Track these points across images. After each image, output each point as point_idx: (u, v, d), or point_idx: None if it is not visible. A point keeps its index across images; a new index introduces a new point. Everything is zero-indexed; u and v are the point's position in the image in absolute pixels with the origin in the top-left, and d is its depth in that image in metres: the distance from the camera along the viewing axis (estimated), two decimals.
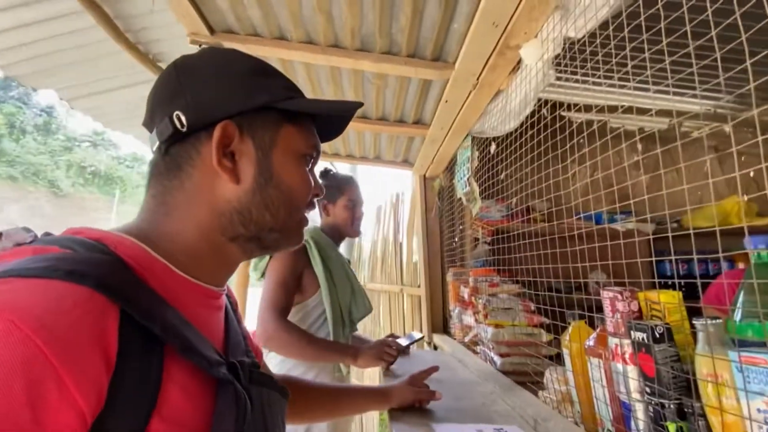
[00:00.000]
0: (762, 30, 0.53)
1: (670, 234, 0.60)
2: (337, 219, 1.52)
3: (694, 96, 2.18)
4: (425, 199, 2.49)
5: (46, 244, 0.36)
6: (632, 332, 0.67)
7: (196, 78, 0.45)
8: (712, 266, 2.46)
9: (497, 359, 1.44)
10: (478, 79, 1.32)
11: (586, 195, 1.03)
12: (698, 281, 0.58)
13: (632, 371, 0.69)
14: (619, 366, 0.71)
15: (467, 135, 1.78)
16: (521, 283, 1.68)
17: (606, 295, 0.75)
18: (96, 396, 0.30)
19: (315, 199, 0.52)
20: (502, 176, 1.62)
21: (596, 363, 0.78)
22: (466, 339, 1.89)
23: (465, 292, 1.85)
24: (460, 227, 2.22)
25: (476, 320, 1.68)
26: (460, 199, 1.99)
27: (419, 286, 2.54)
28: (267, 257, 1.37)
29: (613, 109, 1.75)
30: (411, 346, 1.55)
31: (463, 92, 1.41)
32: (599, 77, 0.88)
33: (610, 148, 0.82)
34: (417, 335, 1.49)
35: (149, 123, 0.46)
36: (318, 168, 0.62)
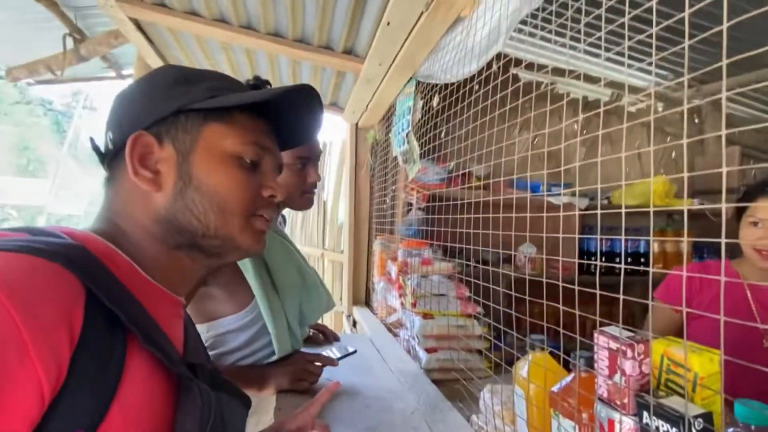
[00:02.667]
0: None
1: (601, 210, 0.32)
2: None
3: (641, 70, 2.06)
4: (356, 153, 2.12)
5: (13, 231, 0.37)
6: (646, 414, 0.42)
7: (125, 97, 0.47)
8: (631, 244, 2.51)
9: (423, 356, 1.22)
10: None
11: (526, 163, 0.88)
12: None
13: None
14: None
15: (411, 78, 1.42)
16: (451, 251, 1.47)
17: (603, 342, 0.48)
18: (56, 370, 0.30)
19: (274, 200, 0.49)
20: (443, 135, 1.33)
21: (568, 425, 0.54)
22: (388, 320, 1.67)
23: (393, 269, 1.59)
24: (393, 189, 1.91)
25: (402, 305, 1.44)
26: (396, 157, 1.67)
27: (342, 252, 2.25)
28: None
29: (564, 72, 1.55)
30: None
31: (412, 13, 1.03)
32: (562, 36, 0.66)
33: (547, 114, 0.66)
34: (350, 348, 1.16)
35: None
36: None
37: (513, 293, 0.73)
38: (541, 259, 2.18)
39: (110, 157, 0.46)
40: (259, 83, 0.53)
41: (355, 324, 2.06)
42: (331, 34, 1.33)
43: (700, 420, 0.39)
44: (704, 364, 0.43)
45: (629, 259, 2.42)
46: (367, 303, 2.12)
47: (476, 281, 1.02)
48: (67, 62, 1.95)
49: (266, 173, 0.49)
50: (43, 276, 0.32)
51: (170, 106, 0.44)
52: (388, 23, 1.09)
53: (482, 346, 1.26)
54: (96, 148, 0.47)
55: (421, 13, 1.02)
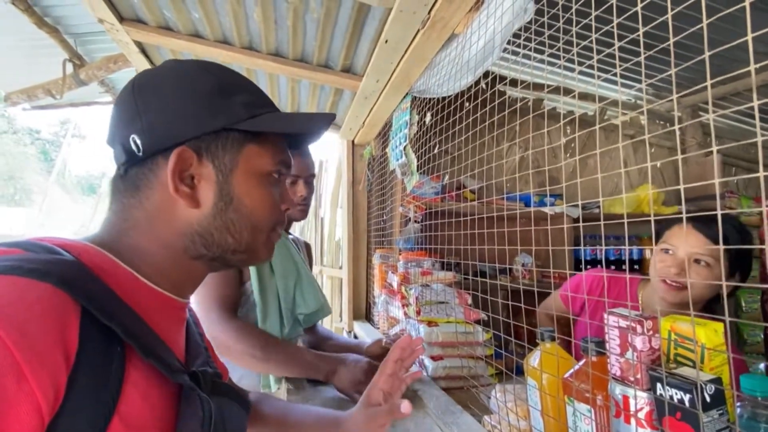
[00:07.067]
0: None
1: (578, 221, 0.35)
2: None
3: (621, 85, 2.17)
4: (353, 170, 2.16)
5: (7, 247, 0.36)
6: (661, 386, 0.44)
7: (153, 99, 0.43)
8: (624, 252, 2.56)
9: (429, 364, 1.22)
10: (430, 12, 1.00)
11: (518, 176, 0.94)
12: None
13: None
14: (630, 428, 0.48)
15: (407, 94, 1.48)
16: (450, 265, 1.51)
17: (613, 321, 0.51)
18: (54, 392, 0.30)
19: (287, 212, 0.52)
20: (436, 151, 1.38)
21: (584, 410, 0.55)
22: (391, 332, 1.66)
23: (394, 280, 1.60)
24: (391, 203, 1.94)
25: (405, 314, 1.44)
26: (393, 171, 1.71)
27: (341, 268, 2.25)
28: None
29: (555, 90, 1.62)
30: None
31: (409, 31, 1.09)
32: (547, 54, 0.73)
33: (545, 128, 0.72)
34: None
35: (111, 142, 0.45)
36: None
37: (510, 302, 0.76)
38: (536, 268, 2.21)
39: (132, 163, 0.43)
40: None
41: (356, 339, 2.04)
42: (330, 53, 1.39)
43: (712, 385, 0.41)
44: (710, 336, 0.46)
45: (623, 266, 2.47)
46: (368, 317, 2.11)
47: (476, 290, 1.06)
48: (66, 86, 1.98)
49: (283, 187, 0.51)
50: (34, 298, 0.31)
51: (215, 122, 0.43)
52: (386, 41, 1.15)
53: (487, 352, 1.27)
54: (132, 155, 0.43)
55: (418, 31, 1.08)
